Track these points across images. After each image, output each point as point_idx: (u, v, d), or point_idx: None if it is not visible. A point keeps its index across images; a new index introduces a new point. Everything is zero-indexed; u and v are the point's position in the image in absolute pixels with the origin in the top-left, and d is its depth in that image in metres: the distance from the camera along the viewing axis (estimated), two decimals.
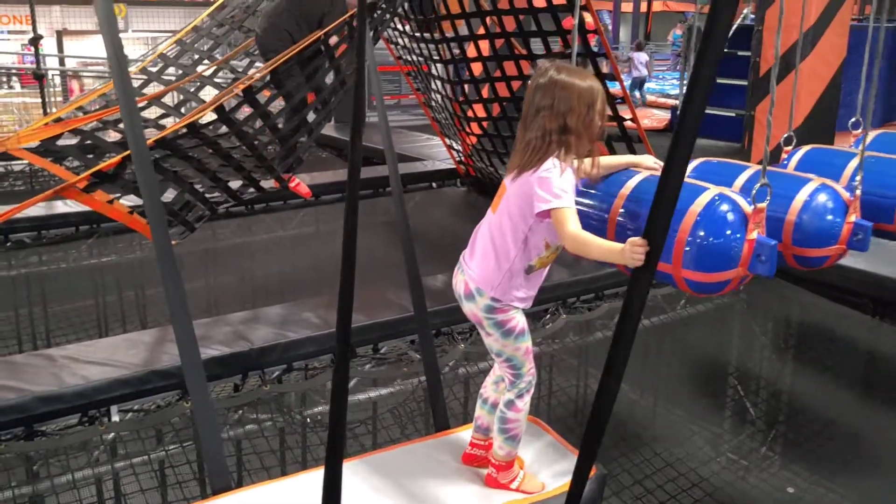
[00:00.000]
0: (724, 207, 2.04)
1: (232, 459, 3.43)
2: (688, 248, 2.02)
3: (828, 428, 4.34)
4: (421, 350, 2.95)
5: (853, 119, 2.59)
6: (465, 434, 2.59)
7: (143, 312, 5.54)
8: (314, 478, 2.25)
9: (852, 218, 2.21)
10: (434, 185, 6.96)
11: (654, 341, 4.60)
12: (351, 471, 2.34)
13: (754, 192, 2.02)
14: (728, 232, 2.02)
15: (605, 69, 4.83)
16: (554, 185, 2.00)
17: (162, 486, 3.28)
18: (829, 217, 2.21)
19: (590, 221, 2.21)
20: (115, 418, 3.01)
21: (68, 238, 5.33)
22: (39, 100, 14.62)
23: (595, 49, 4.46)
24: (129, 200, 3.88)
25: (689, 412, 4.58)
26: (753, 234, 2.03)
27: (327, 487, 1.36)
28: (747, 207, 2.03)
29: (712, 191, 2.07)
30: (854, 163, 2.36)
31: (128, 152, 3.56)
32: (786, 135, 2.49)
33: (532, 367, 2.27)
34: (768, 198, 2.02)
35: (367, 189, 6.65)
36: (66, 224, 5.24)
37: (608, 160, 2.27)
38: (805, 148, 2.59)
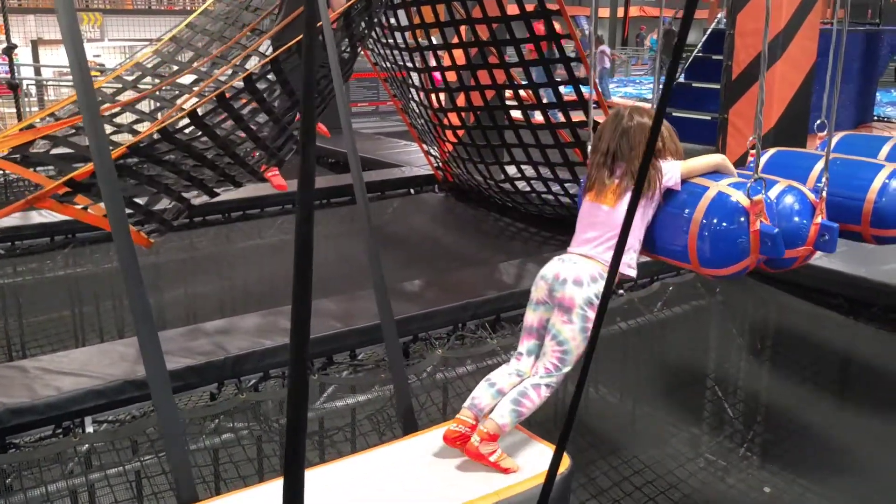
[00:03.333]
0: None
1: (209, 469, 3.41)
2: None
3: (805, 428, 4.38)
4: (388, 355, 2.94)
5: (819, 121, 2.63)
6: (437, 433, 2.59)
7: (120, 323, 5.49)
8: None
9: (819, 219, 2.25)
10: (412, 191, 6.97)
11: (632, 344, 4.62)
12: (322, 477, 2.34)
13: (748, 186, 2.22)
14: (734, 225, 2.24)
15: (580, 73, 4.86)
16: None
17: (138, 497, 3.25)
18: (796, 219, 2.25)
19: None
20: (90, 429, 2.99)
21: (43, 248, 5.29)
22: (14, 110, 14.52)
23: (573, 55, 4.50)
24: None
25: (667, 414, 4.60)
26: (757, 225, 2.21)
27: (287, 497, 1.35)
28: (745, 201, 2.16)
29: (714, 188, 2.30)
30: (820, 165, 2.40)
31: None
32: (750, 138, 2.53)
33: (569, 369, 2.45)
34: (763, 191, 2.15)
35: (346, 196, 6.67)
36: (40, 234, 5.20)
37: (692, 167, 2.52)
38: (771, 150, 2.62)
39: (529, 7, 4.58)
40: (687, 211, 2.37)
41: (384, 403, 3.70)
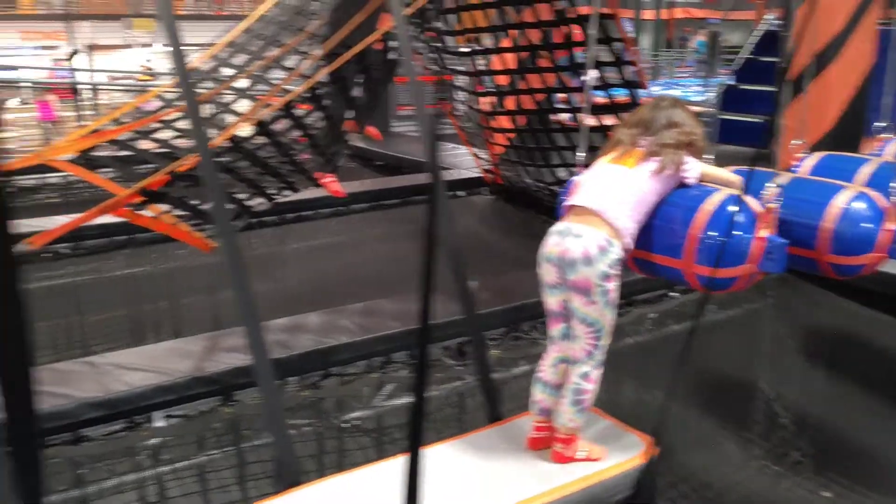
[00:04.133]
0: (734, 208, 2.23)
1: (267, 466, 3.49)
2: (699, 247, 2.25)
3: (861, 433, 4.32)
4: (473, 346, 3.00)
5: (879, 124, 2.60)
6: (520, 422, 2.66)
7: (176, 322, 5.62)
8: (379, 470, 2.34)
9: (891, 225, 2.22)
10: (461, 193, 7.01)
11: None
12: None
13: (765, 193, 2.14)
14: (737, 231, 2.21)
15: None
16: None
17: (203, 490, 3.34)
18: (867, 225, 2.23)
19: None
20: (159, 424, 3.09)
21: (104, 248, 5.44)
22: (68, 113, 14.87)
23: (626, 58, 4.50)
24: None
25: (719, 417, 4.58)
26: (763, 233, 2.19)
27: (411, 475, 1.45)
28: (758, 208, 2.12)
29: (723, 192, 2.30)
30: (868, 168, 2.38)
31: (172, 167, 3.68)
32: (796, 141, 2.52)
33: (609, 340, 2.45)
34: (780, 199, 2.13)
35: (395, 198, 6.74)
36: (101, 235, 5.34)
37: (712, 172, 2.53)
38: (818, 154, 2.61)
39: (581, 11, 4.59)
40: (694, 205, 2.37)
41: (441, 402, 3.75)
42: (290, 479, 2.34)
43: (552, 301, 2.54)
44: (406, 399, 3.72)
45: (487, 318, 3.97)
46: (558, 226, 2.47)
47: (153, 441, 3.07)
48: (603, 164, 2.53)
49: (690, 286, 2.43)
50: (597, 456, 2.50)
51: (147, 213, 3.68)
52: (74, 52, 7.86)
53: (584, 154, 2.70)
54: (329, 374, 3.46)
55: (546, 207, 6.32)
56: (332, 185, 4.76)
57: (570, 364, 2.48)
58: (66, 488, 2.99)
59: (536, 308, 4.08)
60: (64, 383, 3.06)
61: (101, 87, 11.60)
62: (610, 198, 2.41)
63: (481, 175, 7.02)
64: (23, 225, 5.24)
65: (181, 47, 2.32)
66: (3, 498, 1.99)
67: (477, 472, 2.42)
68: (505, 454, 2.55)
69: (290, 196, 5.72)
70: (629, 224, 2.41)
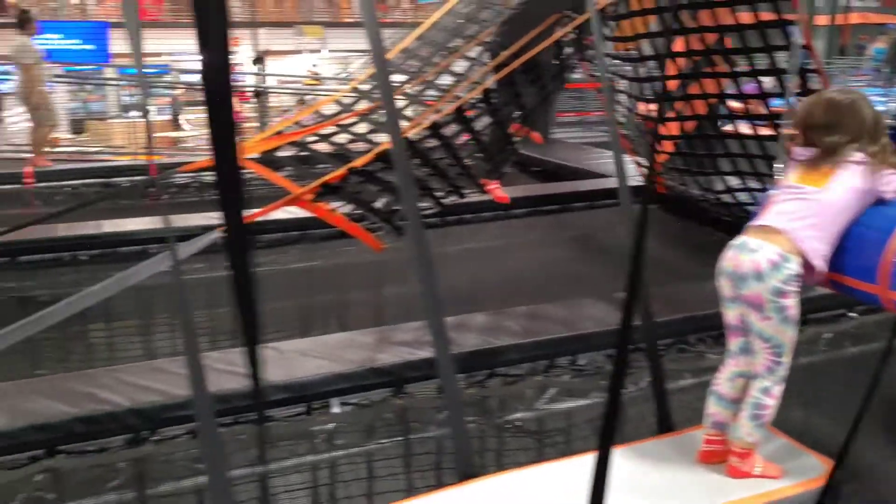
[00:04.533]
0: None
1: (432, 458, 3.60)
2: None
3: None
4: (647, 355, 2.99)
5: None
6: (691, 435, 2.64)
7: (344, 315, 5.88)
8: (551, 469, 2.38)
9: None
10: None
11: (862, 370, 4.36)
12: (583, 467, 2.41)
13: None
14: None
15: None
16: None
17: (370, 477, 3.50)
18: None
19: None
20: (336, 410, 3.26)
21: (280, 243, 5.77)
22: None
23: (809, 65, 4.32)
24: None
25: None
26: None
27: (598, 474, 1.49)
28: None
29: None
30: None
31: (353, 164, 3.87)
32: None
33: (791, 357, 2.41)
34: None
35: (552, 204, 6.76)
36: (278, 230, 5.67)
37: None
38: None
39: (762, 16, 4.45)
40: (890, 226, 2.24)
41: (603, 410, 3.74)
42: (466, 470, 2.42)
43: (730, 314, 2.51)
44: (568, 404, 3.74)
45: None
46: (737, 240, 2.46)
47: (330, 426, 3.24)
48: (786, 184, 2.48)
49: (891, 312, 2.32)
50: (773, 473, 2.45)
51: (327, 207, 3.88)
52: (259, 58, 8.31)
53: (781, 166, 2.64)
54: (494, 374, 3.52)
55: (711, 218, 6.16)
56: (496, 191, 4.85)
57: (752, 378, 2.45)
58: (249, 464, 3.22)
59: (703, 321, 4.02)
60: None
61: (273, 90, 12.25)
62: (798, 218, 2.36)
63: (643, 184, 6.90)
64: (208, 217, 5.66)
65: (383, 52, 2.45)
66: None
67: (648, 481, 2.42)
68: (676, 465, 2.54)
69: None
70: (818, 245, 2.34)
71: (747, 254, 2.35)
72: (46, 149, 9.22)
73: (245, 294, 1.57)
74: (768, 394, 2.40)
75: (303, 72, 16.87)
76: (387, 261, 6.02)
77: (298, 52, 17.88)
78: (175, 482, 3.04)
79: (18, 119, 12.48)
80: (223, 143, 1.03)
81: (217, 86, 0.99)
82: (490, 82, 3.89)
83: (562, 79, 4.58)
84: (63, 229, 5.49)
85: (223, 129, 0.97)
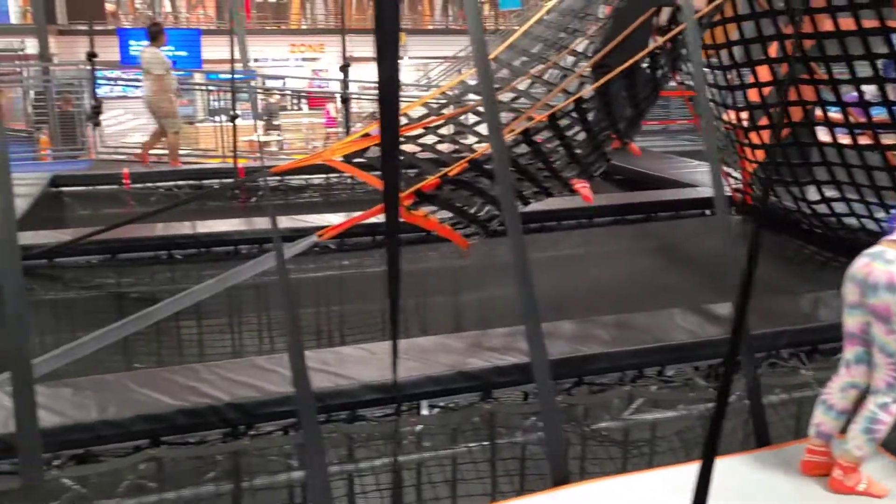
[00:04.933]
0: None
1: (517, 463, 3.62)
2: None
3: None
4: (744, 368, 2.95)
5: None
6: (789, 450, 2.60)
7: (423, 319, 5.94)
8: (649, 478, 2.37)
9: None
10: (707, 212, 6.81)
11: None
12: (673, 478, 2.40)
13: None
14: None
15: None
16: None
17: (453, 480, 3.53)
18: None
19: None
20: (424, 412, 3.31)
21: (365, 246, 5.87)
22: (322, 120, 16.08)
23: None
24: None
25: None
26: None
27: (700, 485, 1.48)
28: None
29: None
30: None
31: (446, 171, 3.93)
32: None
33: None
34: None
35: (637, 213, 6.69)
36: (364, 233, 5.77)
37: None
38: None
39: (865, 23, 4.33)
40: None
41: (691, 422, 3.70)
42: (559, 477, 2.43)
43: (851, 322, 2.47)
44: (655, 415, 3.70)
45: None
46: (872, 248, 2.44)
47: (418, 428, 3.28)
48: None
49: None
50: (878, 493, 2.38)
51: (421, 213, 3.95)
52: (346, 65, 8.49)
53: None
54: (581, 382, 3.52)
55: (803, 231, 6.00)
56: (583, 189, 4.83)
57: (871, 393, 2.40)
58: (340, 461, 3.29)
59: (796, 336, 3.93)
60: (341, 366, 3.35)
61: (356, 96, 12.46)
62: None
63: (730, 194, 6.77)
64: (300, 220, 5.81)
65: (487, 59, 2.48)
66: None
67: (746, 493, 2.38)
68: (774, 478, 2.49)
69: (535, 206, 5.88)
70: None
71: (883, 264, 2.33)
72: (151, 151, 9.78)
73: (394, 292, 1.61)
74: (886, 410, 2.35)
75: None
76: (468, 266, 6.07)
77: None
78: (269, 476, 3.13)
79: (117, 122, 13.04)
80: (390, 150, 1.07)
81: (390, 93, 1.04)
82: (587, 91, 3.89)
83: (657, 88, 4.54)
84: (160, 229, 5.70)
85: (391, 134, 1.02)
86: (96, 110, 8.14)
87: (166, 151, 9.80)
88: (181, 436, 2.99)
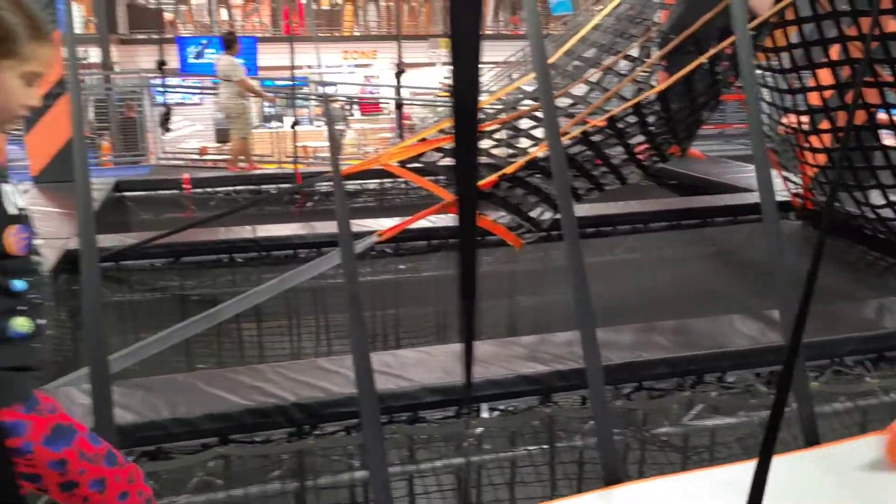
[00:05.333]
0: None
1: (575, 467, 3.63)
2: None
3: None
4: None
5: None
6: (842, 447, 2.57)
7: (479, 322, 5.97)
8: (701, 477, 2.37)
9: None
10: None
11: None
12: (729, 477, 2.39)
13: None
14: None
15: None
16: None
17: (511, 482, 3.56)
18: None
19: None
20: (484, 415, 3.34)
21: (421, 250, 5.93)
22: (375, 126, 16.25)
23: None
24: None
25: None
26: None
27: (757, 481, 1.48)
28: None
29: None
30: None
31: (505, 170, 3.97)
32: None
33: None
34: None
35: (691, 218, 6.63)
36: (420, 238, 5.83)
37: None
38: None
39: None
40: None
41: (752, 429, 3.66)
42: (611, 477, 2.44)
43: None
44: (714, 421, 3.68)
45: (808, 347, 3.81)
46: None
47: (478, 430, 3.31)
48: None
49: None
50: None
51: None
52: (401, 71, 8.60)
53: None
54: (641, 388, 3.51)
55: (865, 236, 5.89)
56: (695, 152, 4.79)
57: None
58: (400, 462, 3.34)
59: (861, 343, 3.87)
60: (402, 368, 3.40)
61: (407, 101, 12.58)
62: None
63: (789, 199, 6.68)
64: (356, 224, 5.89)
65: (546, 64, 2.51)
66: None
67: (804, 491, 2.35)
68: (831, 475, 2.45)
69: (589, 210, 5.89)
70: None
71: None
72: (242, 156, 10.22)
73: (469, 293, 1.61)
74: None
75: (434, 83, 17.22)
76: (521, 271, 6.10)
77: (432, 64, 18.26)
78: (332, 475, 3.20)
79: (175, 129, 13.36)
80: (466, 149, 1.10)
81: (467, 98, 1.07)
82: (646, 95, 3.89)
83: (717, 93, 4.52)
84: (221, 233, 5.84)
85: (468, 139, 1.05)
86: (166, 116, 8.44)
87: (225, 157, 10.13)
88: (248, 434, 3.07)
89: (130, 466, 2.03)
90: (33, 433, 1.79)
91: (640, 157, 4.32)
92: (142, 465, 2.97)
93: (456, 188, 1.30)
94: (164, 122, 8.64)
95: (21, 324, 1.76)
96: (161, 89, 14.22)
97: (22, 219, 1.79)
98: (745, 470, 2.49)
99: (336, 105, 14.94)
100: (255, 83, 10.13)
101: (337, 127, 15.29)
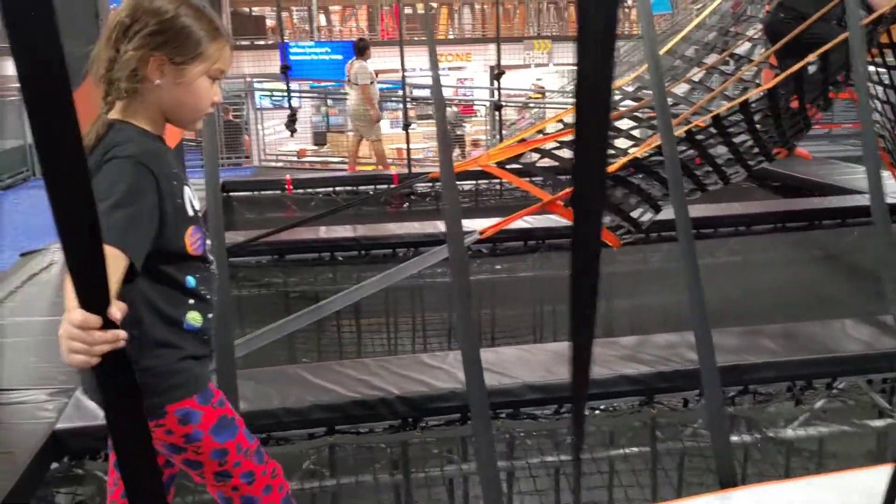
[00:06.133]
0: None
1: (676, 469, 3.59)
2: None
3: None
4: None
5: None
6: None
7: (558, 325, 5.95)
8: (820, 483, 2.32)
9: None
10: None
11: None
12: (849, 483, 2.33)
13: None
14: None
15: None
16: None
17: (610, 485, 3.55)
18: None
19: None
20: (585, 413, 3.34)
21: (517, 251, 5.96)
22: (469, 128, 16.30)
23: None
24: None
25: None
26: None
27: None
28: None
29: None
30: None
31: (608, 169, 3.95)
32: None
33: None
34: None
35: (799, 221, 6.43)
36: (518, 238, 5.85)
37: None
38: None
39: None
40: None
41: (865, 437, 3.55)
42: (728, 480, 2.41)
43: None
44: (822, 428, 3.57)
45: None
46: None
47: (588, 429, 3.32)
48: None
49: None
50: None
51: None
52: (501, 73, 8.64)
53: None
54: (746, 391, 3.45)
55: None
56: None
57: None
58: (502, 458, 3.38)
59: None
60: (503, 366, 3.43)
61: (506, 104, 12.62)
62: None
63: None
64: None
65: (659, 58, 2.51)
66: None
67: None
68: None
69: (691, 213, 5.76)
70: None
71: None
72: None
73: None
74: None
75: (527, 85, 17.21)
76: (618, 273, 6.04)
77: (527, 66, 18.25)
78: (435, 468, 3.26)
79: (274, 132, 13.78)
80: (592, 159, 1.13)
81: (596, 96, 1.10)
82: (753, 94, 3.81)
83: (826, 92, 4.39)
84: (323, 232, 6.00)
85: (597, 139, 1.07)
86: (293, 118, 8.72)
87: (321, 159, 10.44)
88: (354, 425, 3.16)
89: (273, 463, 2.13)
90: (204, 423, 1.92)
91: (745, 156, 4.23)
92: None
93: (575, 182, 1.33)
94: (291, 122, 8.94)
95: (194, 317, 1.89)
96: (263, 94, 14.70)
97: (198, 220, 1.92)
98: (868, 476, 2.43)
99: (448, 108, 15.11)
100: (376, 92, 10.45)
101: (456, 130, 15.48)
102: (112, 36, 1.75)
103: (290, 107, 8.90)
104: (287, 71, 8.41)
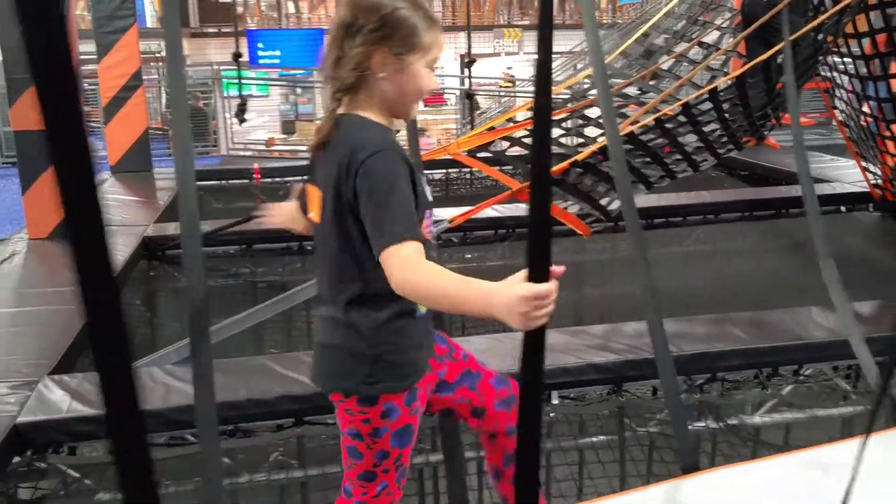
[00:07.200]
0: None
1: (644, 457, 3.60)
2: None
3: None
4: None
5: None
6: None
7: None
8: (781, 462, 2.33)
9: None
10: (843, 208, 6.54)
11: None
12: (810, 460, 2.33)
13: None
14: None
15: None
16: None
17: (580, 472, 3.56)
18: None
19: None
20: (555, 402, 3.34)
21: (487, 240, 5.94)
22: (437, 117, 16.29)
23: None
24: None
25: None
26: None
27: None
28: None
29: None
30: None
31: (576, 157, 3.95)
32: None
33: None
34: None
35: (766, 209, 6.49)
36: (487, 227, 5.84)
37: None
38: None
39: None
40: None
41: (831, 423, 3.59)
42: (688, 466, 2.41)
43: None
44: (787, 415, 3.61)
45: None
46: None
47: (547, 417, 3.32)
48: None
49: None
50: None
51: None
52: (472, 61, 8.60)
53: None
54: (714, 379, 3.46)
55: None
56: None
57: None
58: (469, 447, 3.36)
59: None
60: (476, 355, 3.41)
61: (477, 92, 12.60)
62: None
63: (867, 190, 6.48)
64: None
65: (602, 53, 2.48)
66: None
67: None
68: None
69: (659, 200, 5.81)
70: None
71: None
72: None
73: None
74: None
75: (497, 74, 17.18)
76: (589, 261, 6.06)
77: (497, 54, 18.21)
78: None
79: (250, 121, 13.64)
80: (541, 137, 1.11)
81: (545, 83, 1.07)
82: (721, 81, 3.82)
83: (799, 80, 4.40)
84: None
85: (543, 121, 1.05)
86: (242, 107, 8.55)
87: (290, 147, 10.27)
88: (322, 416, 3.12)
89: (400, 494, 2.09)
90: (397, 422, 1.92)
91: (714, 144, 4.25)
92: (222, 443, 3.06)
93: (531, 170, 1.31)
94: (241, 112, 8.78)
95: (422, 305, 1.90)
96: (231, 82, 14.51)
97: (432, 206, 1.96)
98: (827, 452, 2.45)
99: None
100: (316, 75, 10.29)
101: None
102: (337, 36, 1.82)
103: (241, 95, 8.76)
104: (238, 58, 8.27)
